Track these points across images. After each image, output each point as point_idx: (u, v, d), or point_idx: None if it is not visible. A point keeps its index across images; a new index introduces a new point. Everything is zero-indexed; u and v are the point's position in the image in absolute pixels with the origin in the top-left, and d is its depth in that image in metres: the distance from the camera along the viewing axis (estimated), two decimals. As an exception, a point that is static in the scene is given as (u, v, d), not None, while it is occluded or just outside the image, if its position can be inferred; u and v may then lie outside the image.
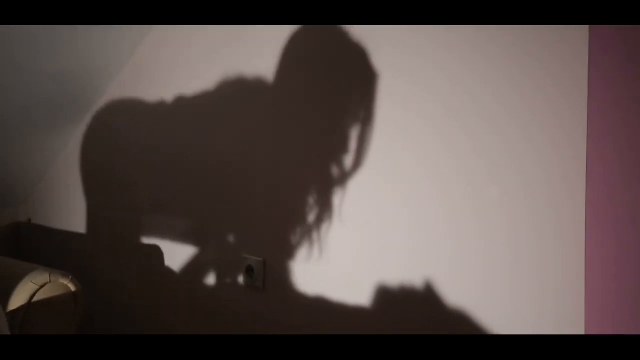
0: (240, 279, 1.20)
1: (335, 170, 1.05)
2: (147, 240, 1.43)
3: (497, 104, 0.84)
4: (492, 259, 0.85)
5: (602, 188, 0.71)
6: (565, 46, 0.77)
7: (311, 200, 1.09)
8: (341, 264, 1.04)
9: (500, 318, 0.84)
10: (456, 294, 0.89)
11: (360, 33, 1.01)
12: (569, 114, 0.77)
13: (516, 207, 0.83)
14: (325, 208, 1.06)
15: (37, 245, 1.77)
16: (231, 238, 1.23)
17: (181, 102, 1.36)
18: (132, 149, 1.49)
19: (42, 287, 1.06)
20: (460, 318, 0.88)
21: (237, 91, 1.23)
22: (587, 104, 0.74)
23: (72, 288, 1.09)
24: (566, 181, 0.77)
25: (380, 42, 0.98)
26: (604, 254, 0.72)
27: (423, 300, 0.92)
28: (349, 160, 1.03)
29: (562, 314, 0.78)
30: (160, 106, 1.41)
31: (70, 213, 1.67)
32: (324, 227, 1.06)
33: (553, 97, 0.79)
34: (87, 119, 1.62)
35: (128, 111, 1.50)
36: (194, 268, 1.31)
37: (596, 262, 0.73)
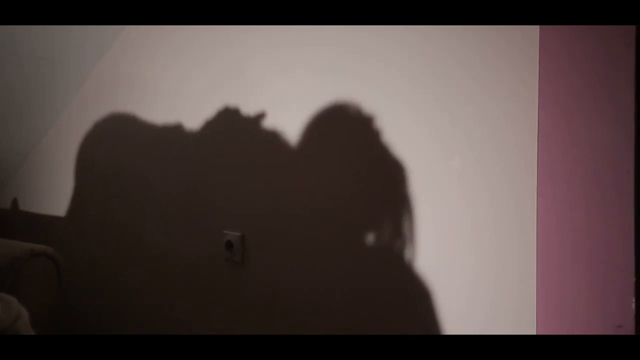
0: (220, 254, 1.23)
1: (309, 149, 1.08)
2: (129, 219, 1.46)
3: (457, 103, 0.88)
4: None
5: (551, 186, 0.76)
6: (516, 46, 0.80)
7: (290, 177, 1.11)
8: (317, 238, 1.07)
9: (449, 313, 0.87)
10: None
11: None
12: (521, 115, 0.80)
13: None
14: (302, 185, 1.09)
15: (20, 229, 1.79)
16: (211, 214, 1.26)
17: (166, 86, 1.39)
18: (114, 132, 1.51)
19: (25, 261, 1.08)
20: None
21: (216, 81, 1.26)
22: (537, 95, 0.77)
23: (55, 262, 1.11)
24: (516, 183, 0.81)
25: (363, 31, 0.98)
26: (555, 252, 0.74)
27: (383, 275, 0.96)
28: (323, 141, 1.06)
29: (514, 314, 0.81)
30: (144, 87, 1.44)
31: (54, 196, 1.68)
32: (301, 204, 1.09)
33: (506, 90, 0.82)
34: (72, 103, 1.63)
35: (112, 96, 1.52)
36: (175, 243, 1.34)
37: (548, 264, 0.74)
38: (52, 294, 1.10)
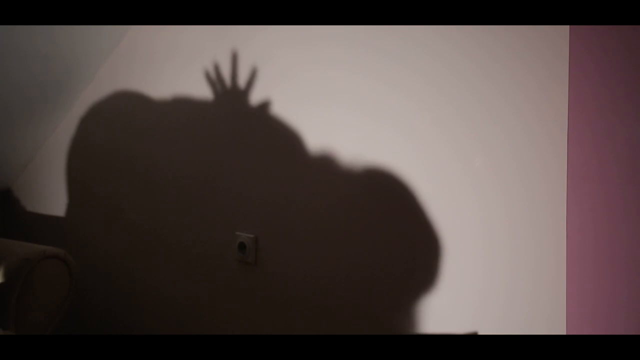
0: (233, 255, 1.22)
1: (322, 151, 1.07)
2: (142, 222, 1.45)
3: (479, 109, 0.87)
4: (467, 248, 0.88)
5: (582, 185, 0.74)
6: (547, 44, 0.79)
7: (302, 178, 1.10)
8: (329, 239, 1.06)
9: (478, 316, 0.87)
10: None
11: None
12: (551, 110, 0.79)
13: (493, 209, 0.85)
14: (313, 187, 1.08)
15: (24, 227, 1.78)
16: (224, 216, 1.25)
17: (176, 88, 1.38)
18: (124, 130, 1.50)
19: (37, 263, 1.07)
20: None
21: (224, 84, 1.25)
22: (567, 99, 0.76)
23: (67, 263, 1.10)
24: (547, 181, 0.79)
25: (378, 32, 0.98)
26: (584, 252, 0.73)
27: (396, 278, 0.95)
28: (336, 142, 1.05)
29: (542, 313, 0.80)
30: (151, 89, 1.43)
31: (61, 196, 1.67)
32: (313, 205, 1.08)
33: (535, 93, 0.81)
34: (75, 104, 1.62)
35: (121, 97, 1.51)
36: (189, 245, 1.33)
37: (576, 261, 0.73)
38: (63, 295, 1.09)
